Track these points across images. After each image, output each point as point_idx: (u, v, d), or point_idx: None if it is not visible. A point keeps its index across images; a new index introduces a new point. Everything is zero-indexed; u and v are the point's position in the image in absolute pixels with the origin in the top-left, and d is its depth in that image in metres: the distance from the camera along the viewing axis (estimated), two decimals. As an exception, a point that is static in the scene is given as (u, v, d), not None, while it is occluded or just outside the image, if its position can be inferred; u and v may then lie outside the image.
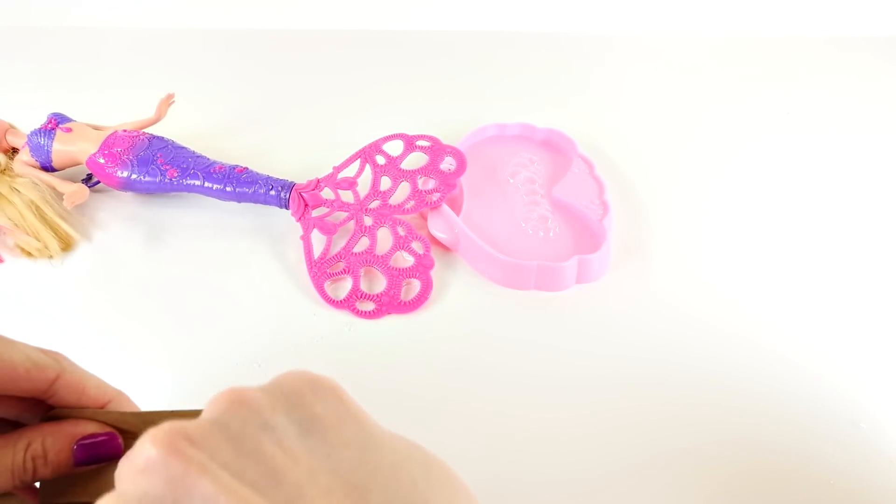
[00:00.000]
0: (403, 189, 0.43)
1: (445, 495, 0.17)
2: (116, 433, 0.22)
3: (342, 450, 0.16)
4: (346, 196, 0.43)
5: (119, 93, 0.57)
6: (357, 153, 0.44)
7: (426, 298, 0.39)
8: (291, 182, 0.43)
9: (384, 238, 0.42)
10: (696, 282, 0.42)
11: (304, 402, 0.16)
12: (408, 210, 0.42)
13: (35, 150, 0.44)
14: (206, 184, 0.42)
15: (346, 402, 0.17)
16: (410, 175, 0.43)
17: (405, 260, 0.41)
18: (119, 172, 0.43)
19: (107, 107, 0.49)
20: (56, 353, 0.22)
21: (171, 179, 0.43)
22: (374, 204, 0.43)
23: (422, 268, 0.40)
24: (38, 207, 0.43)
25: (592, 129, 0.54)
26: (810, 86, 0.63)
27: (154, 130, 0.46)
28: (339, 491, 0.15)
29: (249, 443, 0.15)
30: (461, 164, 0.44)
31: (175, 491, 0.14)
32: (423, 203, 0.42)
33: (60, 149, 0.44)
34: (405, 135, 0.45)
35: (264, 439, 0.15)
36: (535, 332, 0.38)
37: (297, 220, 0.42)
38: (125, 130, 0.45)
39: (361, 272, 0.40)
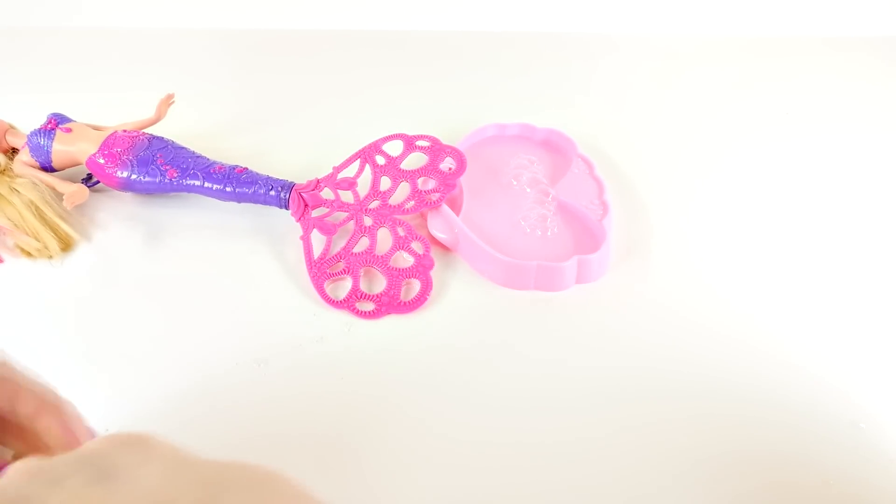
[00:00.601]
0: (403, 189, 0.43)
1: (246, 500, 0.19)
2: None
3: (143, 483, 0.18)
4: (346, 196, 0.43)
5: (119, 93, 0.57)
6: (357, 153, 0.44)
7: (426, 298, 0.39)
8: (291, 182, 0.43)
9: (384, 238, 0.42)
10: (695, 282, 0.42)
11: (103, 457, 0.19)
12: (408, 210, 0.42)
13: (35, 150, 0.44)
14: (206, 184, 0.42)
15: (153, 445, 0.20)
16: (410, 175, 0.43)
17: (405, 260, 0.41)
18: (119, 173, 0.43)
19: (107, 107, 0.49)
20: None
21: (170, 180, 0.43)
22: (374, 204, 0.43)
23: (422, 268, 0.40)
24: (37, 208, 0.43)
25: (592, 129, 0.54)
26: (810, 86, 0.64)
27: (154, 130, 0.46)
28: None
29: (36, 497, 0.17)
30: (461, 165, 0.44)
31: None
32: (422, 203, 0.42)
33: (60, 149, 0.44)
34: (405, 135, 0.45)
35: (52, 491, 0.17)
36: (534, 333, 0.38)
37: (297, 221, 0.42)
38: (125, 131, 0.45)
39: (361, 272, 0.40)
